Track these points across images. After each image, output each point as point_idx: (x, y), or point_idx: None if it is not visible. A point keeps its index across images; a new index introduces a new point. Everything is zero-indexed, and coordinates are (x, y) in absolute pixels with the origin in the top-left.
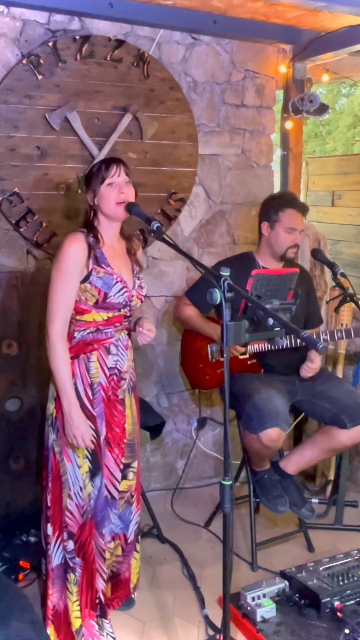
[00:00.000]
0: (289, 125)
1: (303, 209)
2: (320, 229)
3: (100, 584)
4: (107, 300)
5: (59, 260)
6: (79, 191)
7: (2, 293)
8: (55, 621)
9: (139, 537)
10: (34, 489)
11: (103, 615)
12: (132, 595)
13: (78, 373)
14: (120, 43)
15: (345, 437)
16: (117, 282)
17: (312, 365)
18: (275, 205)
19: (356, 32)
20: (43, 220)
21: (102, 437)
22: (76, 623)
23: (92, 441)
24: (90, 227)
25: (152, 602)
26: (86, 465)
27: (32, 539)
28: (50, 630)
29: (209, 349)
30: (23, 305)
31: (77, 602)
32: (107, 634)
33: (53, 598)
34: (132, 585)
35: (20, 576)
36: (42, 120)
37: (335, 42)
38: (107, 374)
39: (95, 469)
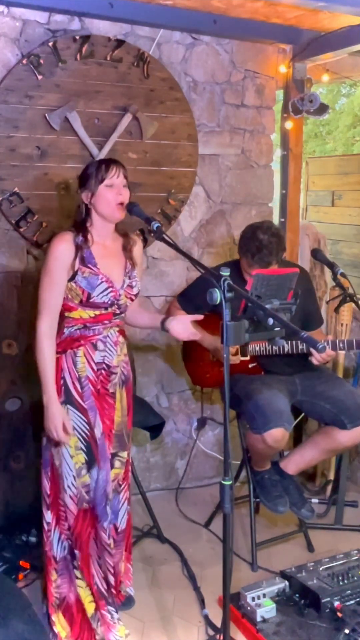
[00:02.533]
0: (289, 125)
1: (259, 262)
2: (320, 229)
3: (110, 579)
4: (91, 300)
5: (46, 260)
6: (79, 191)
7: (2, 293)
8: (67, 613)
9: (132, 535)
10: (34, 489)
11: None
12: (128, 589)
13: (66, 367)
14: (120, 43)
15: (345, 437)
16: (102, 282)
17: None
18: (241, 245)
19: (356, 32)
20: (43, 220)
21: (98, 430)
22: (90, 608)
23: (84, 435)
24: (79, 227)
25: (152, 602)
26: (82, 456)
27: (32, 539)
28: (56, 618)
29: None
30: (23, 305)
31: (88, 588)
32: (117, 619)
33: (62, 589)
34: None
35: (20, 576)
36: (42, 120)
37: (335, 42)
38: (95, 368)
39: (91, 461)
